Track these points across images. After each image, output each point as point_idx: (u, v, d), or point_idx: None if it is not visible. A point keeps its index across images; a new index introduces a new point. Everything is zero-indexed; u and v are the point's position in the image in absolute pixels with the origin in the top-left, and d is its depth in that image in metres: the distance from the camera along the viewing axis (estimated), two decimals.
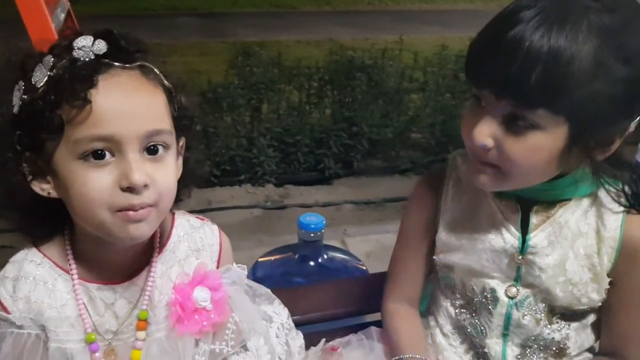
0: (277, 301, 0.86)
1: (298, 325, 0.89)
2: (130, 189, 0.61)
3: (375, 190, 3.06)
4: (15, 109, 0.62)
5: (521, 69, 0.64)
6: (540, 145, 0.68)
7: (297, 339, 0.88)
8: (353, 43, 3.85)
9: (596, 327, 0.85)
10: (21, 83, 0.62)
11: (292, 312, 0.88)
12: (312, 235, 1.37)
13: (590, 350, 0.87)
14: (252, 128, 3.07)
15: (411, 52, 3.64)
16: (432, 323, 0.91)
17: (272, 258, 1.48)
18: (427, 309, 0.95)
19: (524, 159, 0.69)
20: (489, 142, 0.70)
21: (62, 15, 1.37)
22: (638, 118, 0.69)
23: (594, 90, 0.64)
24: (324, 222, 1.38)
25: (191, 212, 0.81)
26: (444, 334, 0.89)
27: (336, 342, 0.92)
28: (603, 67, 0.64)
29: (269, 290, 0.84)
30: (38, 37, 1.16)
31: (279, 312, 0.85)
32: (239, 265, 0.81)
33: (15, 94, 0.62)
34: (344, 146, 3.13)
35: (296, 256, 1.44)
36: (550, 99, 0.65)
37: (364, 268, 1.52)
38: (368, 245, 2.30)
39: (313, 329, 1.01)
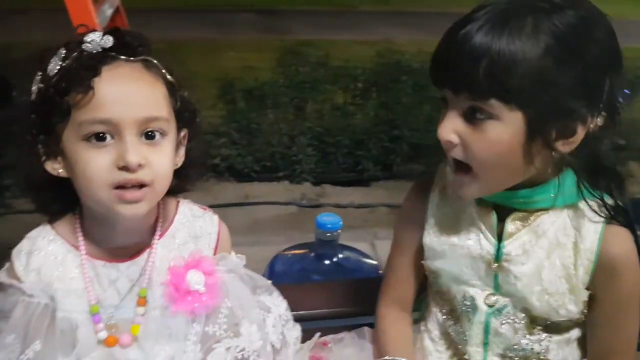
0: (276, 293, 0.89)
1: (304, 320, 0.92)
2: (125, 168, 0.67)
3: None
4: (33, 97, 0.70)
5: (470, 64, 0.69)
6: (500, 136, 0.71)
7: (294, 330, 0.90)
8: (405, 46, 3.80)
9: (582, 344, 0.84)
10: (39, 73, 0.70)
11: (300, 307, 0.90)
12: (328, 234, 1.39)
13: None
14: (294, 126, 3.12)
15: None
16: (423, 328, 0.93)
17: (290, 253, 1.51)
18: (421, 315, 0.97)
19: (486, 151, 0.72)
20: (454, 138, 0.73)
21: (110, 12, 1.46)
22: (601, 111, 0.71)
23: (543, 81, 0.68)
24: (341, 222, 1.40)
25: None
26: (431, 339, 0.90)
27: (328, 337, 0.94)
28: (551, 60, 0.68)
29: (269, 282, 0.88)
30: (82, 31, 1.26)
31: (278, 304, 0.88)
32: (238, 255, 0.85)
33: (34, 84, 0.70)
34: (384, 149, 3.11)
35: (312, 254, 1.47)
36: (499, 90, 0.69)
37: (381, 272, 1.53)
38: None
39: (319, 325, 1.03)
